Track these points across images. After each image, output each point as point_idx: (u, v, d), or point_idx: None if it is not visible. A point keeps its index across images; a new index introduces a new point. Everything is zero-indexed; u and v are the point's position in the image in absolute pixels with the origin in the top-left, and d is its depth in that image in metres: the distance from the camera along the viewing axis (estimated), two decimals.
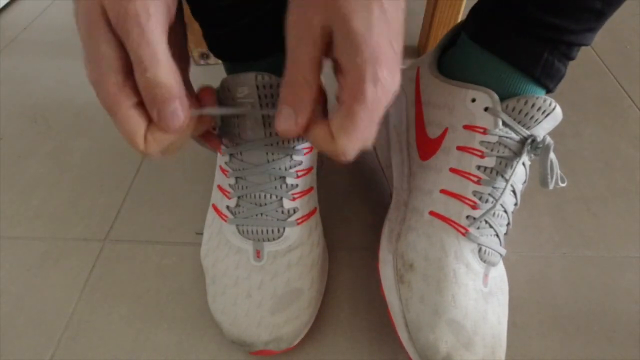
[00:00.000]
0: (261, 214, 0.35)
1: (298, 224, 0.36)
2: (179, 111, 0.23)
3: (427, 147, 0.37)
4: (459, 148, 0.34)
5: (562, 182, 0.33)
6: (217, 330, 0.37)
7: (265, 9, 0.33)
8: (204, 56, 0.66)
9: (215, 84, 0.65)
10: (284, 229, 0.35)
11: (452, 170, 0.34)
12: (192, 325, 0.38)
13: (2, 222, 0.46)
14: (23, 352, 0.36)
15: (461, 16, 0.60)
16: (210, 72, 0.65)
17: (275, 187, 0.35)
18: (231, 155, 0.36)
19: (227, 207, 0.36)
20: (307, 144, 0.37)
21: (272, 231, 0.35)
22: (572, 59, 0.33)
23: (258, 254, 0.35)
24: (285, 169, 0.35)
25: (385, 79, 0.21)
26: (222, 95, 0.34)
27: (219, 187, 0.38)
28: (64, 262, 0.43)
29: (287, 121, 0.24)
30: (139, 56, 0.21)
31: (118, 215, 0.47)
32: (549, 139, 0.32)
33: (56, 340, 0.37)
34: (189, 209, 0.47)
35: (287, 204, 0.36)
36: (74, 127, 0.57)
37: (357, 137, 0.23)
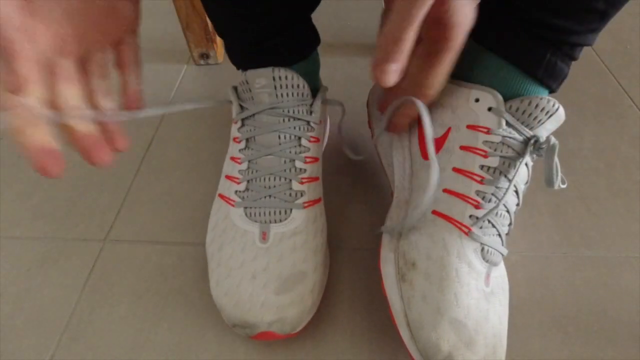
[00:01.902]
0: (269, 196, 0.37)
1: (305, 207, 0.37)
2: None
3: None
4: (462, 148, 0.34)
5: (563, 183, 0.34)
6: (217, 330, 0.37)
7: (290, 30, 0.38)
8: (204, 56, 0.66)
9: (216, 83, 0.66)
10: (290, 210, 0.36)
11: (455, 169, 0.34)
12: (192, 325, 0.38)
13: (2, 222, 0.46)
14: (23, 352, 0.36)
15: None
16: (210, 72, 0.65)
17: (285, 170, 0.37)
18: (247, 140, 0.38)
19: (236, 192, 0.38)
20: (314, 133, 0.39)
21: (279, 212, 0.36)
22: (574, 59, 0.33)
23: (264, 236, 0.36)
24: (295, 153, 0.37)
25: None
26: (240, 89, 0.38)
27: (227, 177, 0.39)
28: (64, 262, 0.42)
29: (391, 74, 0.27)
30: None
31: (118, 215, 0.47)
32: (554, 140, 0.32)
33: (56, 340, 0.37)
34: (189, 209, 0.47)
35: (296, 186, 0.37)
36: None
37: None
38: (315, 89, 0.41)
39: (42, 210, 0.47)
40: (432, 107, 0.38)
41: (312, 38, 0.41)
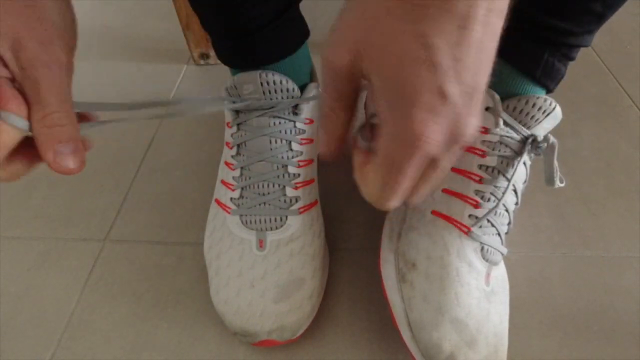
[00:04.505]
0: (264, 203, 0.36)
1: (300, 212, 0.37)
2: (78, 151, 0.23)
3: None
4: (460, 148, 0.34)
5: (561, 182, 0.34)
6: (217, 331, 0.37)
7: (274, 24, 0.36)
8: (204, 56, 0.66)
9: (216, 83, 0.65)
10: (286, 217, 0.36)
11: (454, 169, 0.34)
12: (192, 325, 0.38)
13: (2, 222, 0.46)
14: (23, 352, 0.36)
15: None
16: (210, 72, 0.65)
17: (278, 176, 0.36)
18: (238, 146, 0.37)
19: (231, 199, 0.37)
20: (305, 135, 0.38)
21: (275, 220, 0.36)
22: (572, 59, 0.33)
23: (261, 244, 0.35)
24: (287, 158, 0.37)
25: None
26: (230, 93, 0.37)
27: (223, 182, 0.39)
28: (64, 262, 0.42)
29: (322, 143, 0.24)
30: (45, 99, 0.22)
31: (118, 215, 0.47)
32: (553, 139, 0.32)
33: (56, 340, 0.37)
34: (189, 209, 0.47)
35: (290, 192, 0.37)
36: None
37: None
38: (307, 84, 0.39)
39: (42, 210, 0.47)
40: None
41: (300, 30, 0.39)
